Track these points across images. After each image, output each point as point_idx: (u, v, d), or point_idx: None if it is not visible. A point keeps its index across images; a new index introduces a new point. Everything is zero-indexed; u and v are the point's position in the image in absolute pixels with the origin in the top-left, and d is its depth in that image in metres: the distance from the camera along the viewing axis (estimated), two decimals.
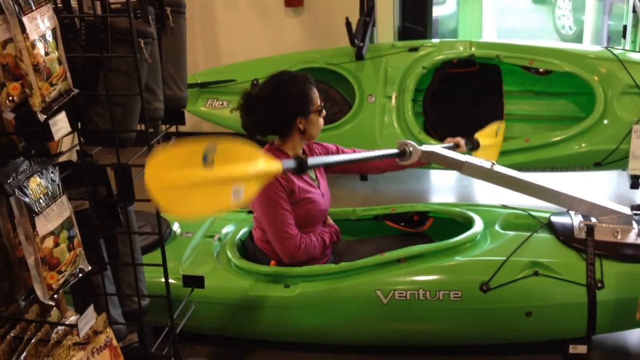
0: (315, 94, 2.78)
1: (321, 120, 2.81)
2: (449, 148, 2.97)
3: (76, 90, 1.79)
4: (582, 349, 2.74)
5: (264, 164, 2.20)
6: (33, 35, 1.63)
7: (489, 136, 3.27)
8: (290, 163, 2.38)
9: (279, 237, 2.75)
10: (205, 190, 1.97)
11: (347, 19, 4.33)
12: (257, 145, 2.25)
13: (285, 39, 5.17)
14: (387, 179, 4.67)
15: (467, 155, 2.86)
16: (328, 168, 3.01)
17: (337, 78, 4.53)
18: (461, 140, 3.05)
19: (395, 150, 2.77)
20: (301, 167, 2.40)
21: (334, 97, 4.66)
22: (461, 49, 4.40)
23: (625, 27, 4.73)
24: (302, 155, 2.89)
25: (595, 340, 2.79)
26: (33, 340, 1.87)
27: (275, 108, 2.73)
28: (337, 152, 3.00)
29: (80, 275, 1.87)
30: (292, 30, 5.18)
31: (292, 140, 2.80)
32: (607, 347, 2.89)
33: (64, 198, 1.82)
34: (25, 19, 1.60)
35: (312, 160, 2.56)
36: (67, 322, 1.94)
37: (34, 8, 1.64)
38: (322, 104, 2.82)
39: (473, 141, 3.12)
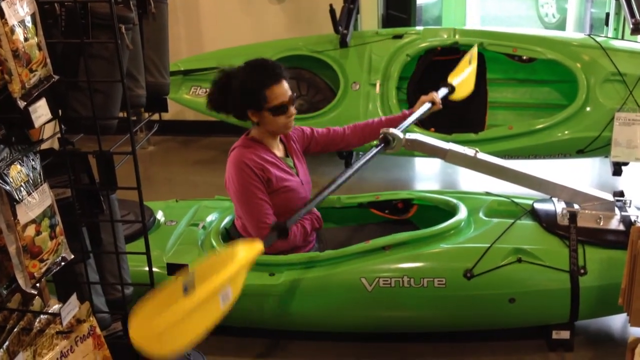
0: (278, 91, 2.66)
1: (280, 119, 2.70)
2: (426, 111, 2.95)
3: (56, 77, 1.77)
4: (565, 334, 2.76)
5: (244, 254, 2.16)
6: (12, 21, 1.60)
7: (462, 69, 3.23)
8: (272, 236, 2.37)
9: (257, 228, 2.73)
10: (194, 315, 1.93)
11: (330, 5, 4.32)
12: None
13: (269, 26, 5.14)
14: (371, 167, 4.64)
15: (450, 143, 2.86)
16: (307, 151, 2.99)
17: (321, 66, 4.51)
18: (436, 96, 3.00)
19: (379, 147, 2.75)
20: (282, 232, 2.39)
21: (318, 85, 4.65)
22: (445, 36, 4.41)
23: (608, 14, 4.75)
24: (280, 144, 2.87)
25: (578, 326, 2.81)
26: (15, 329, 1.85)
27: (232, 92, 2.70)
28: (312, 133, 2.98)
29: (63, 263, 1.86)
30: (276, 17, 5.15)
31: (261, 131, 2.78)
32: (590, 332, 2.92)
33: (45, 186, 1.81)
34: (3, 4, 1.58)
35: (290, 222, 2.45)
36: (49, 311, 1.93)
37: None
38: (288, 103, 2.69)
39: (448, 86, 3.09)
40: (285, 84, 2.70)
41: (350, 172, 2.57)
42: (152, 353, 1.81)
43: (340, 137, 3.02)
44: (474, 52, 3.42)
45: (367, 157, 2.62)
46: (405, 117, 2.93)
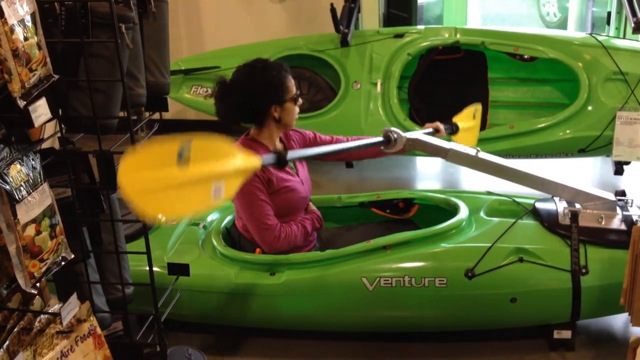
0: (291, 82, 2.74)
1: (297, 109, 2.78)
2: (428, 134, 2.96)
3: (56, 76, 1.77)
4: (566, 334, 2.76)
5: (242, 160, 2.12)
6: (12, 20, 1.60)
7: (466, 119, 3.26)
8: (270, 158, 2.32)
9: (258, 229, 2.73)
10: (183, 190, 1.88)
11: (331, 5, 4.31)
12: (231, 140, 2.19)
13: (270, 25, 5.13)
14: (372, 167, 4.67)
15: (452, 143, 2.86)
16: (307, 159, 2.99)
17: (322, 65, 4.50)
18: (440, 125, 3.02)
19: (379, 139, 2.73)
20: (280, 161, 2.35)
21: (319, 84, 4.65)
22: (446, 35, 4.39)
23: (609, 13, 4.74)
24: (280, 144, 2.87)
25: (580, 326, 2.81)
26: (16, 329, 1.85)
27: (249, 96, 2.69)
28: (315, 139, 2.98)
29: (63, 263, 1.85)
30: (277, 17, 5.15)
31: (269, 129, 2.77)
32: (592, 332, 2.92)
33: (45, 185, 1.80)
34: (3, 4, 1.58)
35: (291, 154, 2.48)
36: (50, 311, 1.93)
37: None
38: (299, 92, 2.79)
39: (452, 125, 3.11)
40: (292, 81, 2.76)
41: (351, 144, 2.68)
42: (131, 202, 1.76)
43: None
44: (478, 107, 3.40)
45: (368, 142, 2.70)
46: None
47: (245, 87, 2.70)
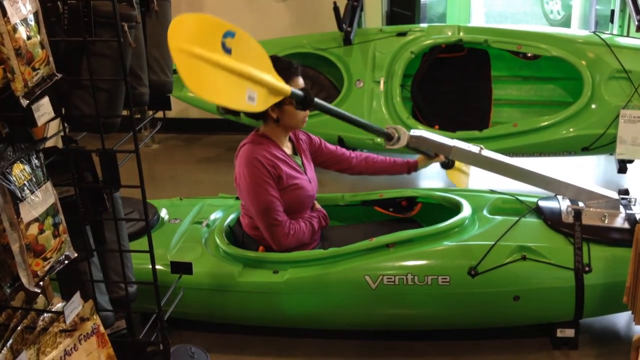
0: (298, 84, 2.67)
1: (300, 113, 2.69)
2: (427, 155, 3.03)
3: (59, 75, 1.77)
4: (569, 332, 2.75)
5: (275, 79, 2.20)
6: (14, 19, 1.60)
7: (463, 165, 3.27)
8: (299, 93, 2.38)
9: (268, 225, 2.73)
10: (222, 75, 1.94)
11: (334, 3, 4.31)
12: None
13: (273, 23, 5.13)
14: None
15: (455, 140, 2.86)
16: (315, 159, 3.00)
17: (325, 63, 4.51)
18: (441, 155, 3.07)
19: (385, 130, 2.77)
20: (307, 100, 2.39)
21: (322, 82, 4.65)
22: (449, 33, 4.39)
23: (613, 11, 4.73)
24: (289, 143, 2.88)
25: (583, 324, 2.81)
26: (19, 328, 1.85)
27: None
28: (320, 145, 3.01)
29: (66, 262, 1.86)
30: (280, 15, 5.14)
31: (272, 128, 2.77)
32: (595, 330, 2.91)
33: (48, 184, 1.80)
34: (6, 3, 1.58)
35: (318, 101, 2.50)
36: (53, 309, 1.93)
37: None
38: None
39: (450, 160, 3.12)
40: (302, 79, 2.72)
41: (360, 121, 2.70)
42: (176, 62, 1.84)
43: (345, 159, 3.06)
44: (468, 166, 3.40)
45: (374, 128, 2.73)
46: (410, 165, 3.07)
47: None
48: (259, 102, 2.10)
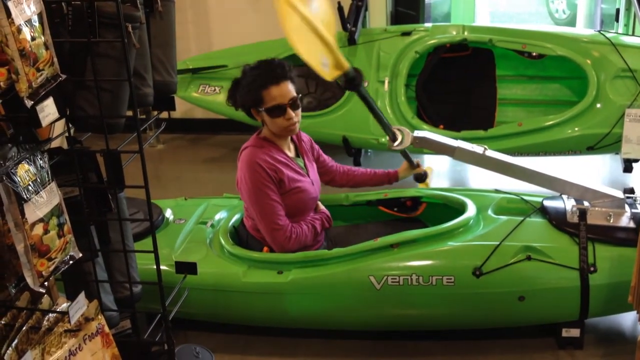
0: (275, 92, 2.63)
1: (278, 121, 2.66)
2: (410, 164, 3.10)
3: (63, 76, 1.77)
4: (575, 332, 2.75)
5: (339, 52, 2.43)
6: (19, 20, 1.60)
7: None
8: (351, 71, 2.52)
9: (269, 229, 2.74)
10: (309, 30, 2.22)
11: (339, 3, 4.30)
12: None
13: (277, 23, 5.11)
14: (378, 164, 4.65)
15: (459, 141, 2.85)
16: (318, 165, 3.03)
17: None
18: (422, 169, 3.16)
19: (393, 129, 2.79)
20: (356, 80, 2.53)
21: (326, 82, 4.64)
22: (454, 33, 4.38)
23: (618, 10, 4.72)
24: (292, 144, 2.88)
25: (588, 324, 2.80)
26: (24, 328, 1.85)
27: (239, 90, 2.74)
28: (318, 153, 3.04)
29: (71, 262, 1.86)
30: None
31: (267, 130, 2.78)
32: (600, 330, 2.91)
33: (53, 185, 1.81)
34: (10, 4, 1.58)
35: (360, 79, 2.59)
36: (58, 309, 1.93)
37: None
38: (287, 105, 2.64)
39: (425, 173, 3.17)
40: (286, 86, 2.66)
41: (380, 115, 2.77)
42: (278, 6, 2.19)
43: (332, 171, 3.11)
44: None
45: (387, 125, 2.77)
46: (390, 175, 3.12)
47: (240, 81, 2.75)
48: (330, 71, 2.30)
